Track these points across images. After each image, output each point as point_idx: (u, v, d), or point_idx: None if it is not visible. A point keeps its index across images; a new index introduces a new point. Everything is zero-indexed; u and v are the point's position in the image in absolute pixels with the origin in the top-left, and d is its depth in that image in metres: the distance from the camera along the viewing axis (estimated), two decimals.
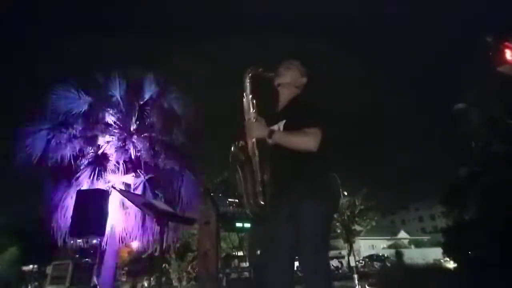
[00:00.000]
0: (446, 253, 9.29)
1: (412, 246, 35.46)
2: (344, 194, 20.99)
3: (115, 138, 8.73)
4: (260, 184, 1.87)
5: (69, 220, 6.42)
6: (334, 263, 25.87)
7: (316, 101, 2.01)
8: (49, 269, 5.70)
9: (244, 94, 1.98)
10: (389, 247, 35.29)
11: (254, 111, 1.95)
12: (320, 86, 2.34)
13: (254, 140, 1.90)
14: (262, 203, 1.84)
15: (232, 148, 1.93)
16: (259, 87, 2.06)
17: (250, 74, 1.99)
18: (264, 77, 2.06)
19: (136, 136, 8.88)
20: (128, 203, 7.59)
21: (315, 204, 1.72)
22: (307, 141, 1.75)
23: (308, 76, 2.11)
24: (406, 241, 38.71)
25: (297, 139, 1.76)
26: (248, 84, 1.98)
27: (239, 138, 1.97)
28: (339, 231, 21.85)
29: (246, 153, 1.91)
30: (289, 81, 2.06)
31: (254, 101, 1.97)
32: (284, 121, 1.92)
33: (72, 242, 7.29)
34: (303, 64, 2.13)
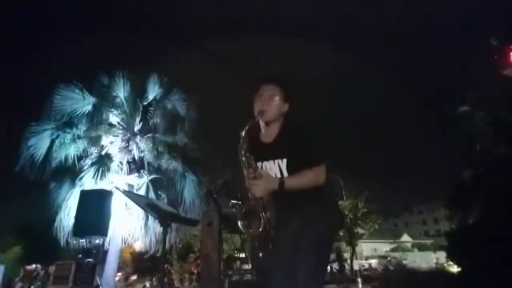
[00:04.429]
0: (450, 257, 9.21)
1: (415, 250, 35.25)
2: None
3: (118, 138, 8.77)
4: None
5: (73, 220, 6.46)
6: (336, 265, 25.75)
7: (303, 120, 1.96)
8: (52, 269, 5.72)
9: (241, 151, 1.81)
10: (392, 250, 35.13)
11: (254, 166, 1.80)
12: (299, 102, 2.15)
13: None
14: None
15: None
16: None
17: (246, 128, 1.81)
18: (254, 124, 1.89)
19: (139, 137, 8.92)
20: (131, 203, 7.61)
21: (323, 227, 1.76)
22: (315, 179, 1.77)
23: (290, 99, 1.95)
24: (409, 245, 38.49)
25: (306, 180, 1.76)
26: (244, 139, 1.80)
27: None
28: (341, 234, 21.80)
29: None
30: (276, 114, 1.91)
31: (251, 156, 1.81)
32: (284, 159, 1.85)
33: (75, 242, 7.32)
34: (282, 85, 1.95)
